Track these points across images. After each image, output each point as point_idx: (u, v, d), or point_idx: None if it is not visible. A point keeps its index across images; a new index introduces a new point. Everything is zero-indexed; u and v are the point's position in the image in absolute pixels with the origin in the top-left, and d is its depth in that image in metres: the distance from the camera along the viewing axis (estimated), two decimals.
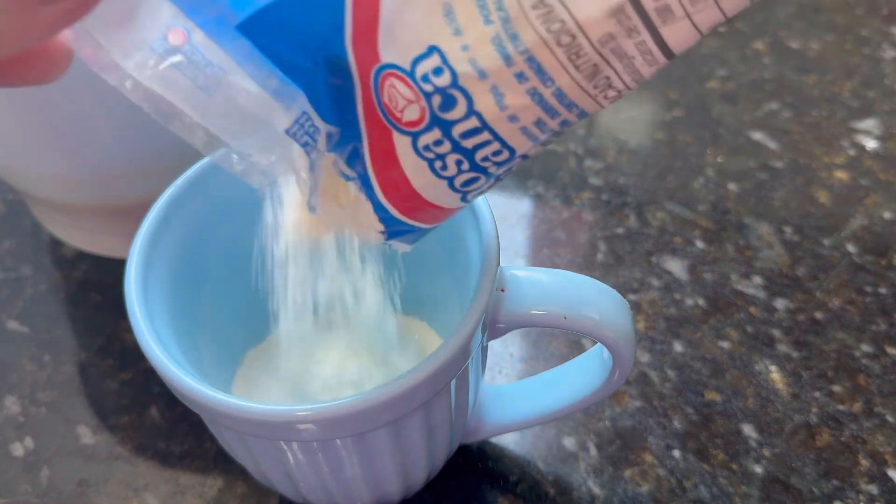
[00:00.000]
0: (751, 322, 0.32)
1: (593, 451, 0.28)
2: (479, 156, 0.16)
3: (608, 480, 0.27)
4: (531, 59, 0.14)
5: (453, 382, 0.21)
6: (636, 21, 0.13)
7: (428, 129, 0.15)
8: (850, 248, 0.35)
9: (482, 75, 0.14)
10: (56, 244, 0.37)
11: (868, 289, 0.33)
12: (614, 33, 0.13)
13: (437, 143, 0.15)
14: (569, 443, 0.28)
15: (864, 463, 0.27)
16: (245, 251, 0.26)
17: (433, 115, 0.15)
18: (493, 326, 0.21)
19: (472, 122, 0.15)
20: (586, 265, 0.35)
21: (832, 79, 0.44)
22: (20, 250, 0.37)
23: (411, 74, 0.15)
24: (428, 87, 0.15)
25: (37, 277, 0.35)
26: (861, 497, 0.27)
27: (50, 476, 0.28)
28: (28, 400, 0.31)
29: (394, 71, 0.15)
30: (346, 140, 0.17)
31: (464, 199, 0.17)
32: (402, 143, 0.16)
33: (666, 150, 0.40)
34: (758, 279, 0.34)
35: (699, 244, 0.35)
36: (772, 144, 0.40)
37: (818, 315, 0.32)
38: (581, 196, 0.38)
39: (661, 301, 0.33)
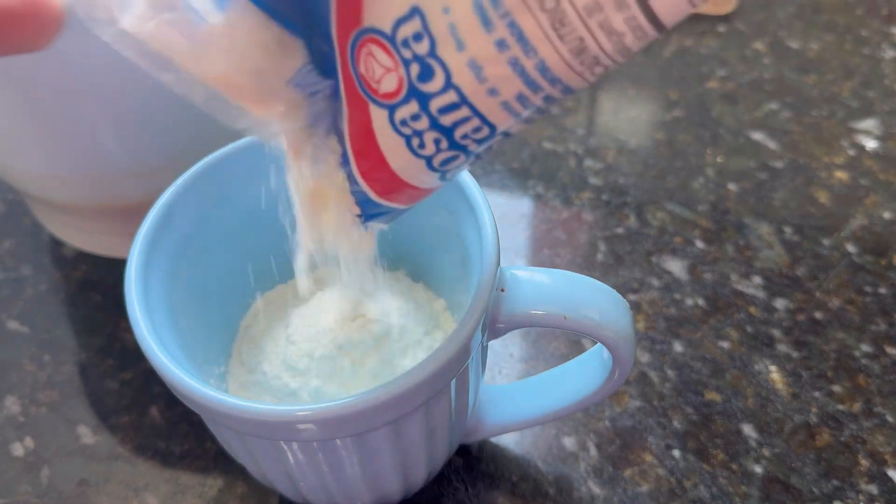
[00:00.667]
0: (751, 322, 0.32)
1: (593, 451, 0.28)
2: (458, 133, 0.15)
3: (608, 480, 0.27)
4: (513, 25, 0.13)
5: (453, 382, 0.21)
6: None
7: (405, 101, 0.15)
8: (850, 248, 0.35)
9: (460, 45, 0.13)
10: (56, 244, 0.37)
11: (868, 289, 0.33)
12: (602, 3, 0.12)
13: (415, 117, 0.15)
14: (569, 443, 0.28)
15: (864, 463, 0.27)
16: (245, 251, 0.26)
17: (411, 85, 0.14)
18: (493, 326, 0.21)
19: (451, 97, 0.14)
20: (586, 265, 0.35)
21: (832, 79, 0.44)
22: (20, 250, 0.37)
23: (392, 38, 0.14)
24: (407, 54, 0.14)
25: (37, 277, 0.35)
26: (861, 497, 0.27)
27: (50, 476, 0.28)
28: (28, 400, 0.31)
29: (374, 36, 0.14)
30: (329, 109, 0.16)
31: (442, 178, 0.17)
32: (378, 117, 0.15)
33: (666, 150, 0.40)
34: (758, 279, 0.34)
35: (699, 244, 0.35)
36: (772, 144, 0.40)
37: (818, 315, 0.32)
38: (581, 196, 0.38)
39: (661, 301, 0.33)
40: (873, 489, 0.27)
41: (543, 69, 0.13)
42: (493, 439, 0.28)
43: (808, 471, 0.27)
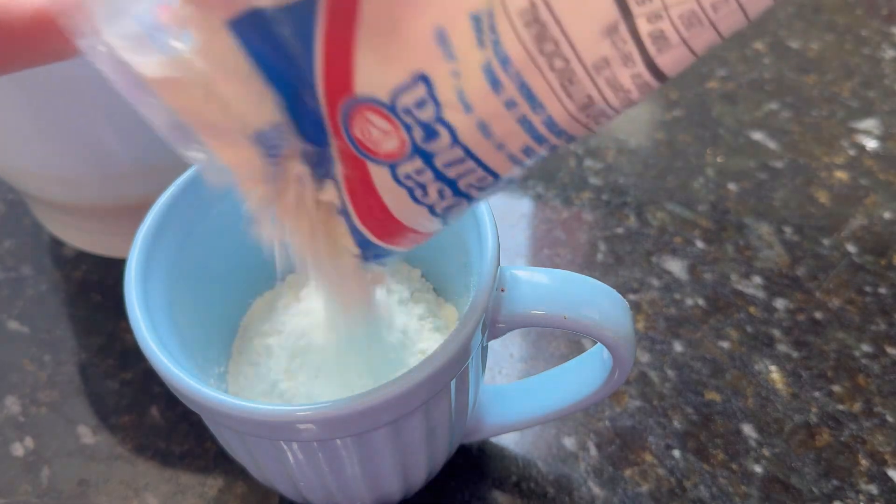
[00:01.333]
0: (751, 322, 0.32)
1: (593, 451, 0.28)
2: (462, 183, 0.15)
3: (608, 480, 0.27)
4: (522, 86, 0.13)
5: (453, 382, 0.21)
6: (631, 46, 0.12)
7: (408, 159, 0.15)
8: (850, 248, 0.35)
9: (468, 108, 0.13)
10: (56, 244, 0.37)
11: (868, 289, 0.33)
12: (609, 58, 0.12)
13: (419, 172, 0.15)
14: (569, 443, 0.28)
15: (864, 463, 0.27)
16: (245, 251, 0.26)
17: (414, 145, 0.14)
18: (493, 326, 0.21)
19: (456, 153, 0.14)
20: (586, 265, 0.35)
21: (832, 79, 0.44)
22: (20, 250, 0.37)
23: (391, 108, 0.14)
24: (409, 120, 0.14)
25: (37, 277, 0.35)
26: (861, 497, 0.27)
27: (50, 476, 0.28)
28: (28, 400, 0.31)
29: (369, 104, 0.14)
30: (323, 163, 0.16)
31: (444, 222, 0.17)
32: (379, 174, 0.15)
33: (666, 150, 0.40)
34: (758, 279, 0.34)
35: (699, 244, 0.35)
36: (772, 144, 0.40)
37: (818, 315, 0.32)
38: (581, 196, 0.38)
39: (661, 301, 0.33)
40: (873, 489, 0.27)
41: (551, 124, 0.13)
42: (493, 439, 0.28)
43: (808, 471, 0.27)
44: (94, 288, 0.35)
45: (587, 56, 0.12)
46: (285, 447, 0.20)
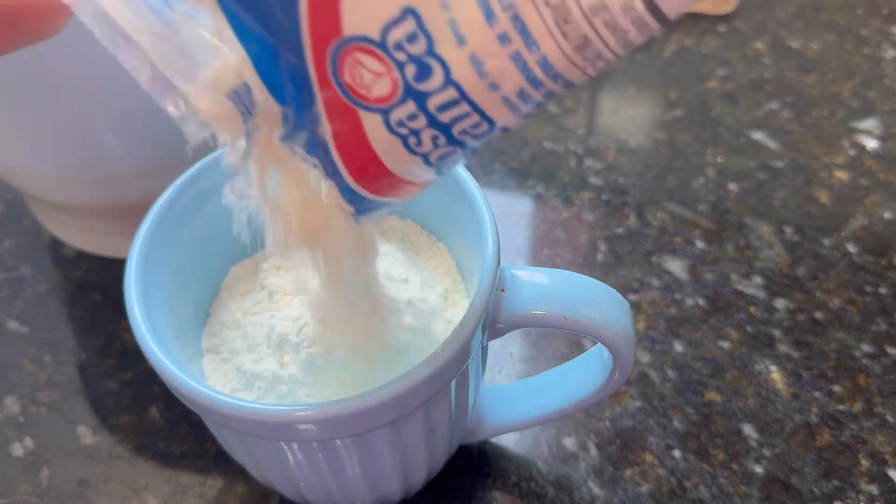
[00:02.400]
0: (751, 322, 0.32)
1: (593, 451, 0.28)
2: (456, 129, 0.15)
3: (608, 480, 0.27)
4: (516, 18, 0.13)
5: (453, 382, 0.21)
6: None
7: (401, 102, 0.14)
8: (851, 248, 0.35)
9: (461, 41, 0.13)
10: (56, 244, 0.37)
11: (868, 289, 0.33)
12: (607, 3, 0.12)
13: (412, 117, 0.14)
14: (569, 443, 0.28)
15: (865, 463, 0.27)
16: (245, 250, 0.26)
17: (407, 86, 0.14)
18: (493, 326, 0.21)
19: (450, 94, 0.14)
20: (586, 265, 0.35)
21: (832, 79, 0.44)
22: (20, 250, 0.37)
23: (382, 44, 0.13)
24: (401, 56, 0.13)
25: (37, 277, 0.35)
26: (861, 497, 0.27)
27: (50, 476, 0.28)
28: (28, 400, 0.31)
29: (359, 44, 0.14)
30: (302, 123, 0.16)
31: (438, 172, 0.16)
32: (371, 122, 0.15)
33: (666, 150, 0.40)
34: (758, 279, 0.34)
35: (699, 244, 0.35)
36: (772, 144, 0.40)
37: (818, 315, 0.32)
38: (581, 196, 0.38)
39: (662, 301, 0.33)
40: (874, 489, 0.27)
41: (545, 64, 0.13)
42: (494, 439, 0.28)
43: (808, 471, 0.27)
44: (94, 288, 0.35)
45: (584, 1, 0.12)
46: (285, 447, 0.20)
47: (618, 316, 0.21)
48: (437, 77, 0.14)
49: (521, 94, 0.14)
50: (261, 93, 0.15)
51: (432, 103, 0.14)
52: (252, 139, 0.16)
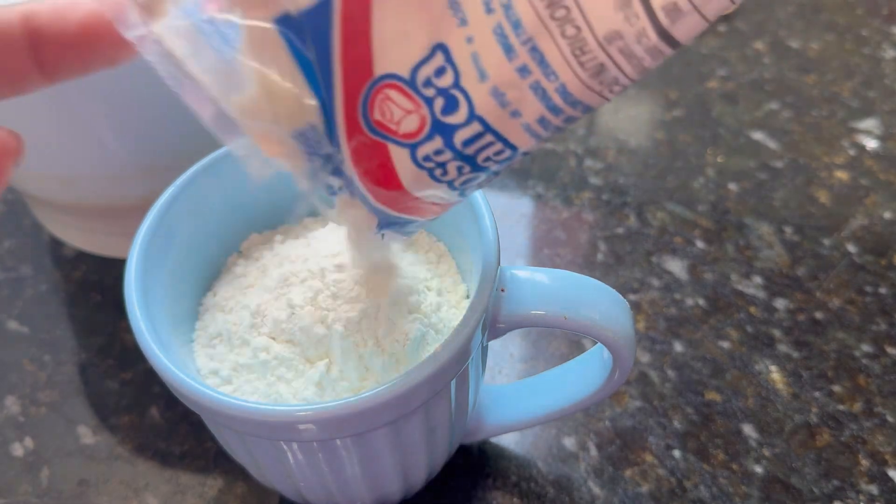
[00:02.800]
0: (751, 322, 0.32)
1: (593, 451, 0.28)
2: (481, 158, 0.15)
3: (608, 480, 0.27)
4: (534, 50, 0.13)
5: (453, 383, 0.21)
6: (644, 21, 0.12)
7: (428, 138, 0.15)
8: (851, 248, 0.35)
9: (483, 76, 0.14)
10: (56, 244, 0.37)
11: (868, 289, 0.33)
12: (622, 31, 0.13)
13: (438, 152, 0.15)
14: (569, 443, 0.28)
15: (865, 463, 0.27)
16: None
17: (434, 121, 0.15)
18: (493, 326, 0.21)
19: (475, 128, 0.14)
20: (586, 265, 0.35)
21: (832, 79, 0.44)
22: (20, 250, 0.37)
23: (412, 82, 0.14)
24: (429, 92, 0.14)
25: (37, 277, 0.35)
26: (861, 497, 0.27)
27: (50, 476, 0.28)
28: (28, 400, 0.31)
29: (390, 82, 0.14)
30: (336, 171, 0.17)
31: (462, 194, 0.17)
32: (399, 156, 0.16)
33: (666, 150, 0.40)
34: (758, 279, 0.34)
35: (699, 244, 0.35)
36: (772, 144, 0.40)
37: (818, 315, 0.32)
38: (581, 196, 0.38)
39: (662, 301, 0.33)
40: (874, 489, 0.27)
41: (564, 92, 0.14)
42: (494, 439, 0.28)
43: (808, 471, 0.27)
44: (94, 288, 0.35)
45: (599, 27, 0.13)
46: (285, 447, 0.20)
47: (618, 316, 0.21)
48: (463, 111, 0.14)
49: (542, 121, 0.14)
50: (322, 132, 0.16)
51: (458, 138, 0.15)
52: (317, 177, 0.17)
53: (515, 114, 0.14)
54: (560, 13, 0.13)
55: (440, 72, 0.14)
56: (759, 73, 0.44)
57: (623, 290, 0.33)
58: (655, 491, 0.27)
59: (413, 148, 0.15)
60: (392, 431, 0.20)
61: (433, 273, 0.24)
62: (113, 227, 0.34)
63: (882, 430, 0.28)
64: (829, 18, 0.48)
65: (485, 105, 0.14)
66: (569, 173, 0.39)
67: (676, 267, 0.34)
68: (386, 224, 0.18)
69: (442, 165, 0.15)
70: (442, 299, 0.23)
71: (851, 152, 0.39)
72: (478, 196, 0.22)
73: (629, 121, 0.42)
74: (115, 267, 0.35)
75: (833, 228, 0.36)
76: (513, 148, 0.15)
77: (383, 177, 0.16)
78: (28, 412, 0.30)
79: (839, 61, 0.45)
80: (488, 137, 0.15)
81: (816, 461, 0.28)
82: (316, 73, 0.15)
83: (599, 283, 0.22)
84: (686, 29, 0.13)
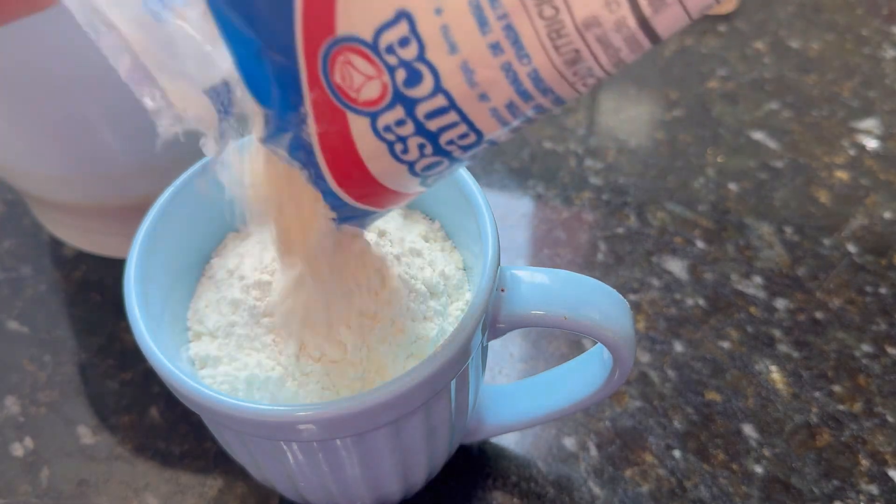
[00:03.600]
0: (751, 322, 0.32)
1: (593, 451, 0.28)
2: (444, 139, 0.15)
3: (608, 480, 0.27)
4: (509, 28, 0.12)
5: (453, 383, 0.21)
6: (625, 8, 0.12)
7: (389, 107, 0.14)
8: (851, 247, 0.35)
9: (453, 48, 0.13)
10: (56, 244, 0.37)
11: (868, 289, 0.33)
12: (600, 17, 0.12)
13: (399, 122, 0.14)
14: (569, 443, 0.28)
15: (865, 463, 0.27)
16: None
17: (396, 91, 0.14)
18: (493, 326, 0.21)
19: (439, 101, 0.14)
20: (586, 265, 0.35)
21: (832, 78, 0.44)
22: (20, 250, 0.37)
23: (374, 46, 0.13)
24: (392, 60, 0.13)
25: (37, 277, 0.35)
26: (861, 497, 0.27)
27: (50, 476, 0.28)
28: (28, 400, 0.31)
29: (351, 44, 0.14)
30: (285, 126, 0.16)
31: (423, 182, 0.16)
32: (358, 125, 0.15)
33: (666, 150, 0.40)
34: (758, 279, 0.34)
35: (699, 244, 0.35)
36: (772, 144, 0.40)
37: (818, 315, 0.32)
38: (581, 196, 0.38)
39: (662, 301, 0.33)
40: (874, 489, 0.27)
41: (536, 77, 0.13)
42: (494, 439, 0.28)
43: (808, 471, 0.27)
44: (94, 288, 0.35)
45: (578, 10, 0.12)
46: (285, 447, 0.20)
47: (618, 316, 0.21)
48: (427, 84, 0.13)
49: (511, 107, 0.14)
50: (241, 92, 0.15)
51: (421, 110, 0.14)
52: (226, 137, 0.16)
53: (483, 97, 0.14)
54: None
55: (404, 42, 0.13)
56: (759, 73, 0.44)
57: (623, 290, 0.33)
58: (655, 491, 0.27)
59: (373, 117, 0.14)
60: (392, 431, 0.20)
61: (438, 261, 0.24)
62: (113, 227, 0.34)
63: (882, 430, 0.28)
64: (829, 18, 0.48)
65: (452, 79, 0.13)
66: (569, 173, 0.39)
67: (676, 267, 0.34)
68: (343, 217, 0.18)
69: (403, 140, 0.15)
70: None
71: (851, 152, 0.39)
72: (478, 195, 0.22)
73: (629, 121, 0.42)
74: (115, 267, 0.35)
75: (833, 228, 0.36)
76: (478, 133, 0.14)
77: (342, 146, 0.15)
78: (28, 412, 0.30)
79: (839, 61, 0.45)
80: (453, 115, 0.14)
81: (816, 461, 0.28)
82: (249, 31, 0.14)
83: (599, 283, 0.22)
84: (667, 21, 0.12)
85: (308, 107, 0.15)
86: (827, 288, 0.33)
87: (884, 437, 0.28)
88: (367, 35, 0.13)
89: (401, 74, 0.13)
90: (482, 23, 0.13)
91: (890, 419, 0.29)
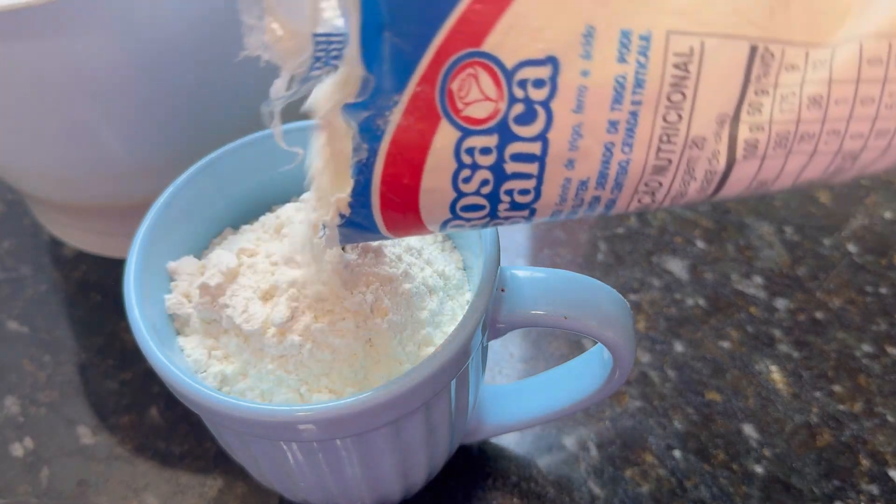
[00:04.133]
0: (751, 322, 0.32)
1: (594, 451, 0.28)
2: (507, 186, 0.15)
3: (608, 480, 0.27)
4: (634, 115, 0.13)
5: (453, 383, 0.21)
6: (724, 144, 0.13)
7: (487, 132, 0.14)
8: (851, 247, 0.35)
9: (578, 108, 0.14)
10: (56, 244, 0.37)
11: (868, 289, 0.33)
12: (706, 142, 0.13)
13: (485, 150, 0.15)
14: (569, 443, 0.28)
15: (865, 463, 0.27)
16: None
17: (504, 121, 0.14)
18: (493, 326, 0.21)
19: (534, 148, 0.14)
20: (587, 265, 0.35)
21: None
22: (20, 250, 0.37)
23: (509, 74, 0.14)
24: (518, 93, 0.14)
25: (37, 277, 0.35)
26: (862, 497, 0.27)
27: (50, 476, 0.28)
28: (28, 400, 0.31)
29: (488, 63, 0.14)
30: (371, 102, 0.15)
31: (443, 227, 0.17)
32: (445, 135, 0.15)
33: None
34: (758, 279, 0.34)
35: (699, 244, 0.35)
36: None
37: (818, 315, 0.32)
38: None
39: (662, 301, 0.33)
40: (874, 489, 0.27)
41: (623, 169, 0.14)
42: (494, 439, 0.28)
43: (808, 471, 0.27)
44: (94, 288, 0.35)
45: (695, 126, 0.13)
46: (285, 447, 0.20)
47: (618, 316, 0.21)
48: (536, 127, 0.14)
49: (581, 187, 0.14)
50: (353, 51, 0.15)
51: (512, 149, 0.14)
52: (304, 84, 0.16)
53: (569, 164, 0.14)
54: (676, 97, 0.13)
55: (539, 83, 0.14)
56: None
57: (623, 290, 0.33)
58: (656, 491, 0.27)
59: (466, 134, 0.15)
60: (392, 431, 0.20)
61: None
62: (113, 227, 0.34)
63: (882, 430, 0.28)
64: None
65: (559, 134, 0.14)
66: None
67: (677, 267, 0.34)
68: (349, 222, 0.17)
69: (474, 169, 0.15)
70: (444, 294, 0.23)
71: None
72: None
73: None
74: (115, 267, 0.35)
75: (833, 228, 0.36)
76: (536, 195, 0.15)
77: (414, 147, 0.15)
78: (28, 412, 0.30)
79: None
80: (533, 167, 0.14)
81: (817, 461, 0.28)
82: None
83: (600, 283, 0.22)
84: (742, 173, 0.13)
85: (405, 97, 0.15)
86: (827, 288, 0.33)
87: (884, 437, 0.28)
88: (510, 62, 0.14)
89: (518, 109, 0.14)
90: (616, 100, 0.13)
91: (890, 419, 0.29)
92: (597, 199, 0.14)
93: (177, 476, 0.28)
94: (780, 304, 0.33)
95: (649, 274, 0.34)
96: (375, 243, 0.20)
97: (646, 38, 0.13)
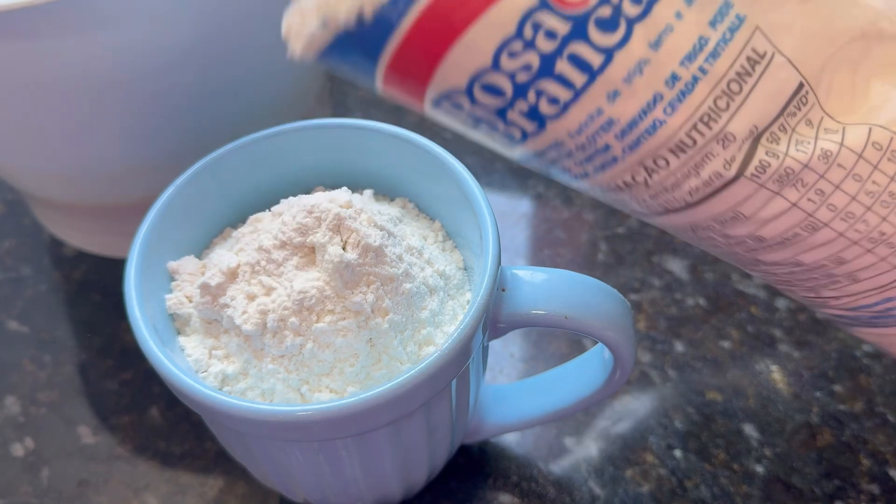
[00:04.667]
0: (752, 322, 0.32)
1: (594, 451, 0.28)
2: (542, 85, 0.14)
3: (609, 480, 0.27)
4: (694, 81, 0.14)
5: (454, 382, 0.21)
6: (742, 154, 0.14)
7: (564, 17, 0.14)
8: None
9: (656, 44, 0.14)
10: (56, 244, 0.37)
11: None
12: (737, 136, 0.14)
13: (549, 35, 0.14)
14: (569, 443, 0.28)
15: (866, 462, 0.27)
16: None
17: (585, 16, 0.14)
18: (493, 326, 0.21)
19: (595, 58, 0.14)
20: (587, 265, 0.35)
21: None
22: (20, 250, 0.37)
23: None
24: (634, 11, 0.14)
25: (37, 277, 0.35)
26: (862, 497, 0.27)
27: (50, 476, 0.28)
28: (28, 400, 0.31)
29: None
30: None
31: (438, 103, 0.15)
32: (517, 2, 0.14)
33: None
34: (759, 279, 0.34)
35: None
36: None
37: (819, 315, 0.32)
38: (581, 195, 0.38)
39: (662, 301, 0.33)
40: (875, 489, 0.27)
41: (651, 130, 0.14)
42: (494, 439, 0.28)
43: (809, 471, 0.27)
44: (94, 288, 0.35)
45: (733, 123, 0.14)
46: (286, 447, 0.20)
47: (618, 316, 0.21)
48: (611, 39, 0.14)
49: (605, 126, 0.14)
50: None
51: (574, 47, 0.14)
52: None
53: (612, 96, 0.14)
54: (735, 87, 0.14)
55: (636, 0, 0.14)
56: None
57: (624, 289, 0.33)
58: (656, 491, 0.27)
59: (542, 7, 0.14)
60: (393, 431, 0.20)
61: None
62: (113, 227, 0.34)
63: (883, 430, 0.28)
64: None
65: (624, 58, 0.14)
66: None
67: (677, 266, 0.34)
68: (333, 54, 0.15)
69: (527, 46, 0.14)
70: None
71: None
72: (478, 195, 0.22)
73: None
74: (115, 267, 0.35)
75: None
76: (562, 110, 0.14)
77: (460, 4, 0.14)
78: (28, 412, 0.30)
79: None
80: (581, 78, 0.14)
81: (817, 461, 0.28)
82: None
83: (600, 282, 0.22)
84: (737, 193, 0.14)
85: None
86: None
87: (885, 437, 0.28)
88: None
89: (605, 11, 0.14)
90: (689, 57, 0.14)
91: (891, 419, 0.29)
92: (602, 151, 0.14)
93: (177, 476, 0.28)
94: (781, 303, 0.33)
95: (650, 274, 0.34)
96: (376, 244, 0.20)
97: (740, 20, 0.14)
